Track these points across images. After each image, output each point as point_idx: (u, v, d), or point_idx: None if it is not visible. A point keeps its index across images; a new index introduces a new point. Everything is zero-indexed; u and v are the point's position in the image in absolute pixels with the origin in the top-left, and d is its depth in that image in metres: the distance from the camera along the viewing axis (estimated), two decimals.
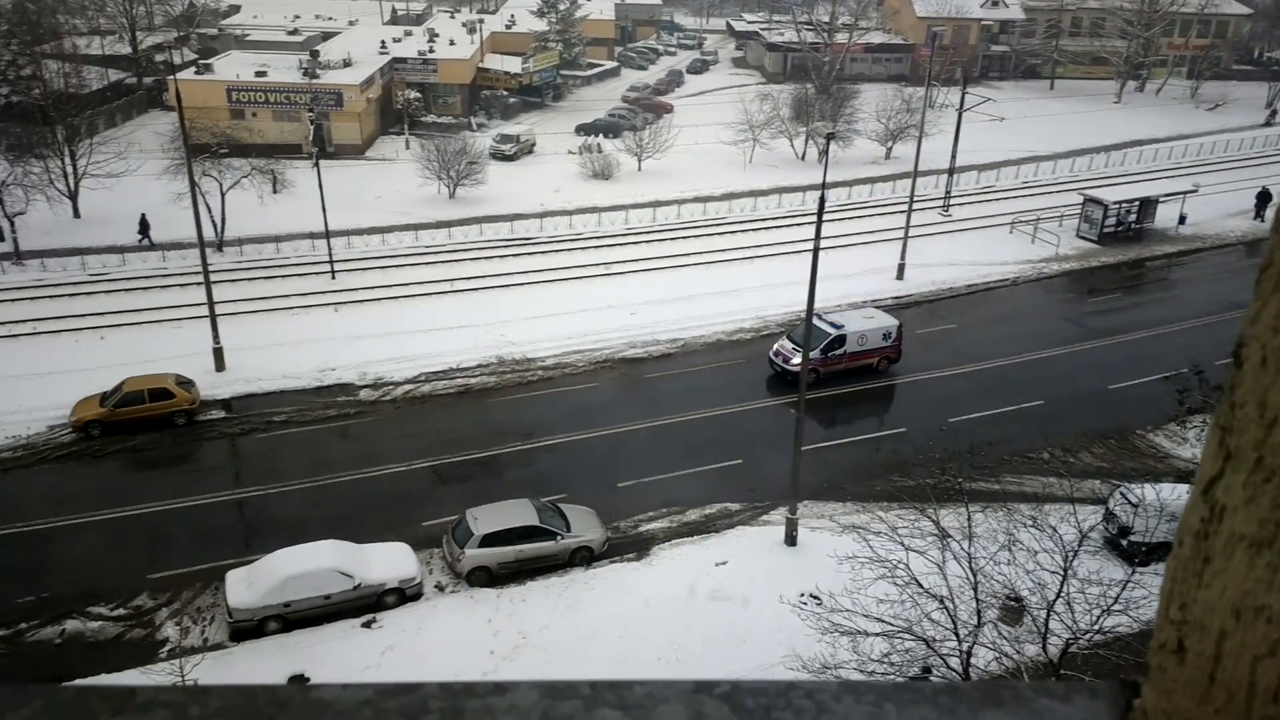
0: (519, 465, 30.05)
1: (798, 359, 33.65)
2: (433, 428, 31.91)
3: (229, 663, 21.67)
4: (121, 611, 23.66)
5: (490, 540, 24.86)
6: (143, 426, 30.78)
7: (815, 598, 21.84)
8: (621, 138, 64.97)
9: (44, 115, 51.04)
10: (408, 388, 34.45)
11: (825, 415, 33.54)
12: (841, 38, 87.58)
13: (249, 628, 22.97)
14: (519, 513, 25.80)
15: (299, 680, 21.14)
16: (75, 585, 24.16)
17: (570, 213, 52.61)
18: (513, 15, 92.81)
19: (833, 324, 35.35)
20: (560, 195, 55.73)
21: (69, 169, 48.84)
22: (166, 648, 22.62)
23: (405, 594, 24.13)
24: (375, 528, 26.17)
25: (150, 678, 20.59)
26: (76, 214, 48.87)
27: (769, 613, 22.90)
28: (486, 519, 25.36)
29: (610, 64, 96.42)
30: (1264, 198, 54.21)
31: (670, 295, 41.76)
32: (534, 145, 66.94)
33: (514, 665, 21.70)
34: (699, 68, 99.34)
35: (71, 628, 23.09)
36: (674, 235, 50.37)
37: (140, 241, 45.39)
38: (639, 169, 60.55)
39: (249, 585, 23.30)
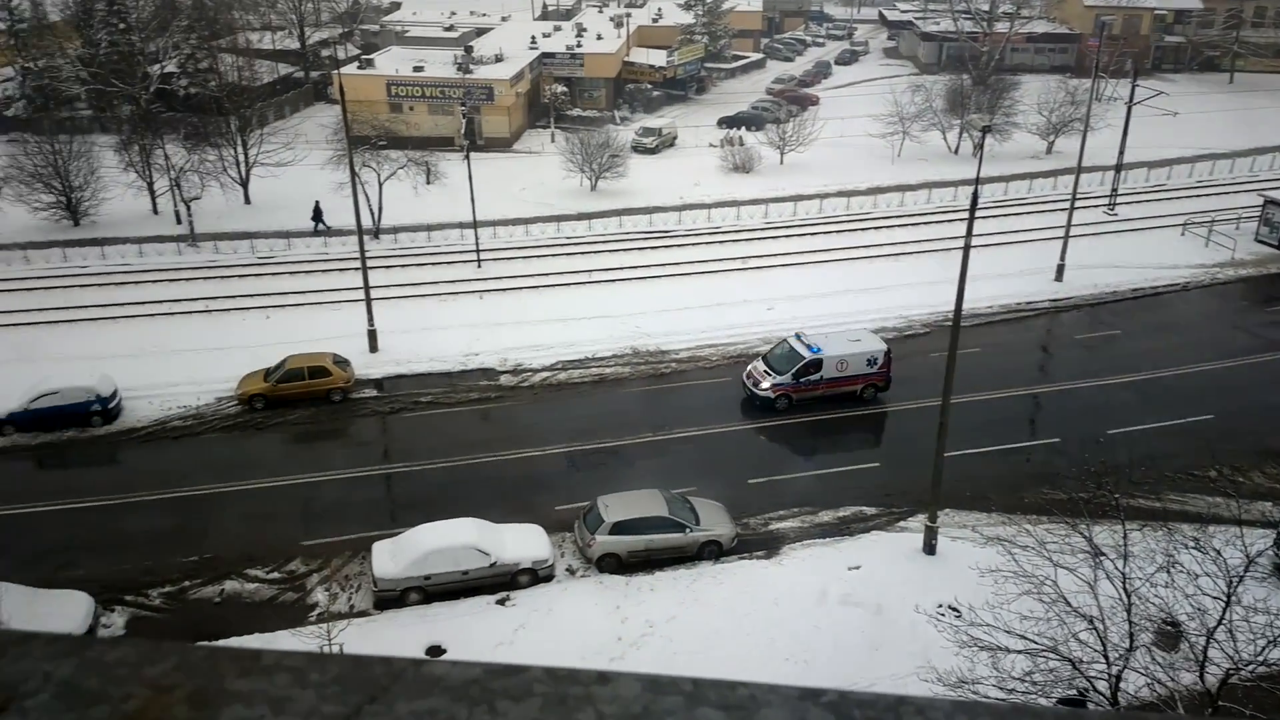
0: (650, 456, 30.24)
1: (767, 383, 32.86)
2: (567, 415, 32.48)
3: (373, 630, 22.63)
4: (276, 575, 25.07)
5: (620, 528, 25.14)
6: (302, 402, 32.54)
7: (954, 609, 21.11)
8: (764, 130, 64.40)
9: (219, 106, 54.54)
10: (545, 375, 35.17)
11: (970, 421, 32.36)
12: (1001, 27, 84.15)
13: (392, 597, 23.95)
14: (649, 503, 25.97)
15: (435, 651, 21.99)
16: (235, 548, 25.74)
17: (709, 206, 52.51)
18: (660, 9, 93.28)
19: (810, 346, 33.02)
20: (700, 188, 55.71)
21: (241, 158, 52.00)
22: (316, 612, 23.83)
23: (538, 575, 24.66)
24: (511, 509, 26.84)
25: (300, 640, 21.74)
26: (247, 200, 52.03)
27: (903, 621, 22.29)
28: (617, 507, 25.64)
29: (755, 56, 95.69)
30: None
31: (809, 291, 41.14)
32: (675, 138, 67.13)
33: (640, 653, 21.86)
34: (848, 59, 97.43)
35: (230, 588, 24.60)
36: (815, 230, 49.58)
37: (316, 228, 47.79)
38: (781, 162, 59.87)
39: (393, 557, 24.29)
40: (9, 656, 1.03)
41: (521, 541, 25.10)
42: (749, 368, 33.83)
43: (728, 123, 70.31)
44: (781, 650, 21.95)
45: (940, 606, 21.93)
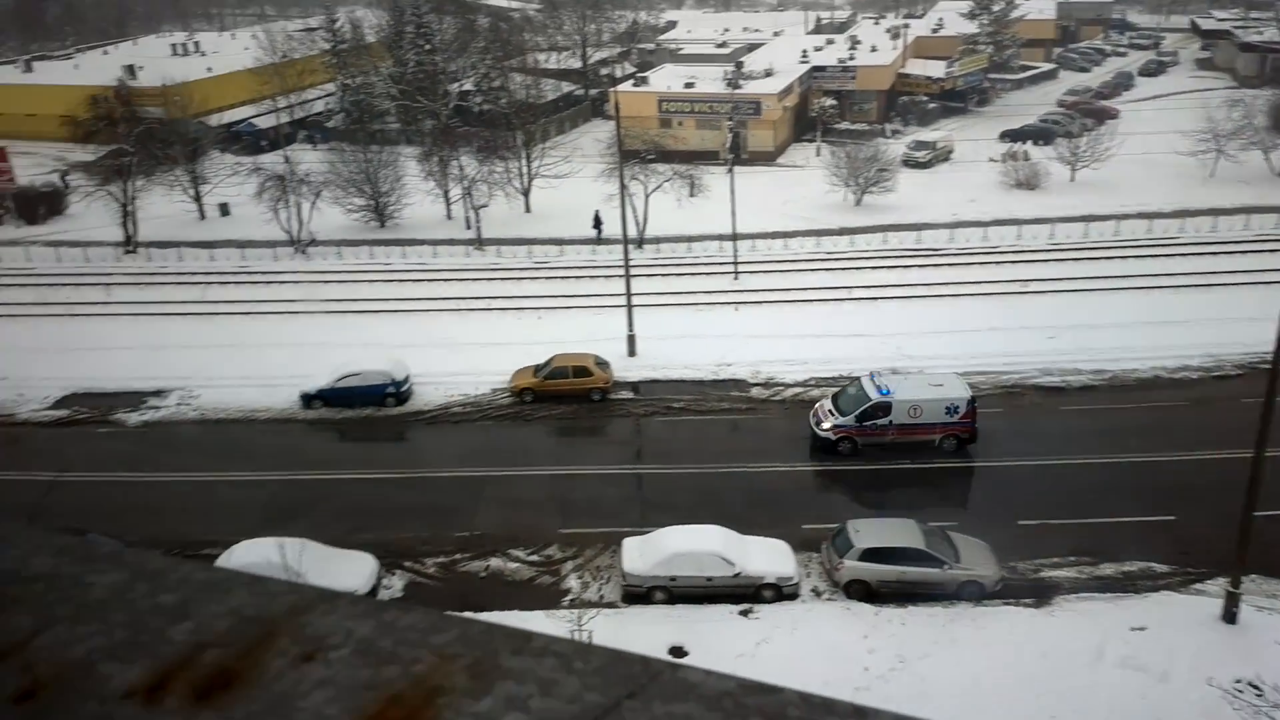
0: (906, 483, 29.35)
1: (828, 424, 30.08)
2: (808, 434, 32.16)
3: (619, 622, 23.53)
4: (535, 558, 26.67)
5: (870, 555, 24.55)
6: (565, 398, 34.42)
7: (1255, 687, 19.00)
8: (1053, 145, 60.74)
9: (508, 122, 58.71)
10: (797, 390, 35.06)
11: None
12: None
13: (638, 593, 24.80)
14: (904, 532, 25.18)
15: (678, 652, 22.55)
16: (501, 529, 27.63)
17: (985, 224, 50.25)
18: (940, 19, 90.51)
19: (880, 388, 30.59)
20: (975, 205, 53.44)
21: (525, 169, 55.75)
22: (568, 597, 25.11)
23: (781, 591, 24.63)
24: (758, 521, 26.99)
25: (553, 622, 23.00)
26: (528, 209, 55.70)
27: (1193, 694, 20.20)
28: (869, 533, 25.09)
29: (1046, 66, 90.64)
30: None
31: (1099, 320, 38.18)
32: (951, 152, 64.82)
33: (889, 688, 21.22)
34: (1154, 70, 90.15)
35: (494, 565, 26.43)
36: (1109, 254, 46.10)
37: (599, 236, 50.10)
38: (1071, 179, 56.24)
39: (641, 554, 25.15)
40: (319, 611, 1.12)
41: (767, 555, 25.18)
42: (816, 405, 31.90)
43: (1012, 136, 66.97)
44: (1048, 708, 20.39)
45: (1239, 682, 19.77)
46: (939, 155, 63.85)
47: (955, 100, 77.22)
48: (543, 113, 66.64)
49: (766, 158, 66.58)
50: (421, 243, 50.75)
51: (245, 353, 37.85)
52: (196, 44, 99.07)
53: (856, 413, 30.39)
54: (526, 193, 55.77)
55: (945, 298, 41.93)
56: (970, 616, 23.62)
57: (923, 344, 37.05)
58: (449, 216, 54.82)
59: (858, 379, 32.23)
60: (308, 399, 34.46)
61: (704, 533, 25.50)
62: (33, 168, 63.38)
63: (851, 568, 24.59)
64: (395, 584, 25.95)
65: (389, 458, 32.03)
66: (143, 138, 54.94)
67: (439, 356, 36.94)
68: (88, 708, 0.99)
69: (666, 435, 32.97)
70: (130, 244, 51.39)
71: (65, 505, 28.84)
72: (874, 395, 30.44)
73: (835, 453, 30.60)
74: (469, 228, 51.97)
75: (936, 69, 77.31)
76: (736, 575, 24.57)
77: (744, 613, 24.18)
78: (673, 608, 24.47)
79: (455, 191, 53.67)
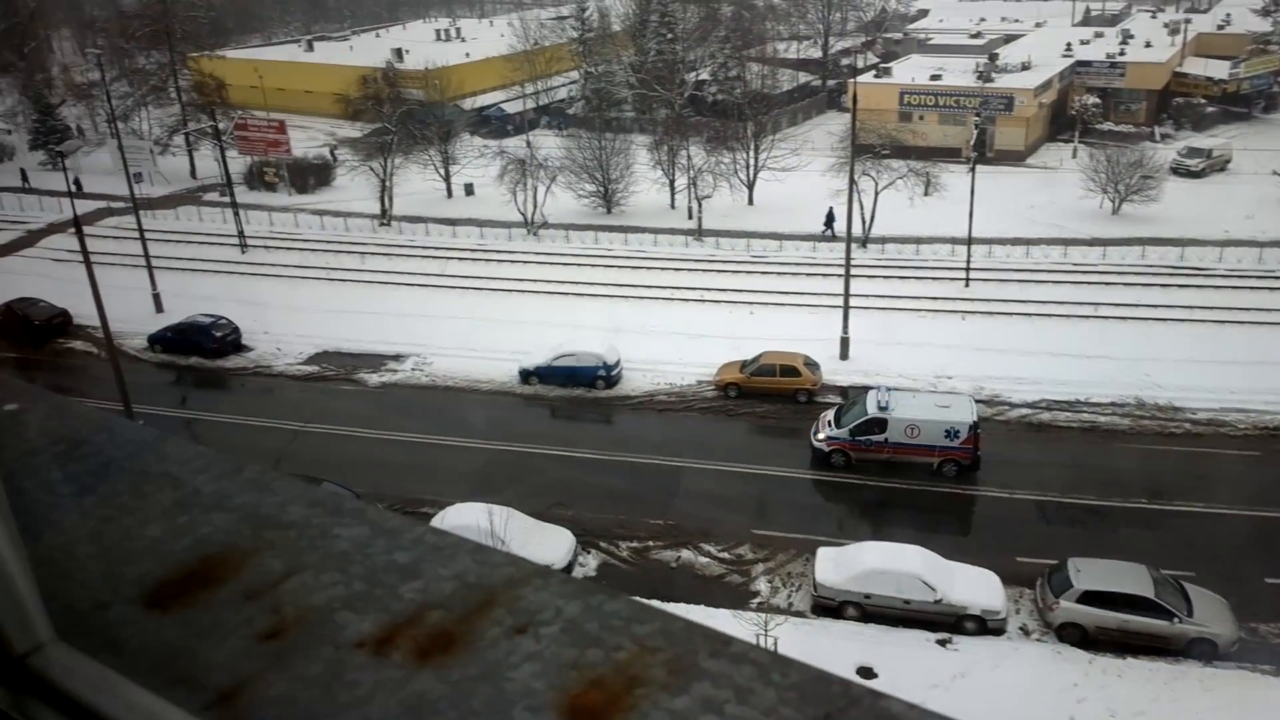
0: (1138, 525, 26.78)
1: (823, 435, 28.86)
2: (1044, 459, 29.97)
3: (806, 633, 22.94)
4: (726, 555, 26.50)
5: (1090, 598, 22.58)
6: (770, 396, 33.94)
7: None
8: None
9: (740, 112, 58.45)
10: (1025, 411, 32.80)
11: None
12: None
13: (829, 606, 24.10)
14: (1131, 578, 22.98)
15: (866, 673, 21.70)
16: (694, 521, 27.66)
17: (1262, 244, 44.97)
18: (1228, 14, 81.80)
19: (880, 403, 29.10)
20: (1253, 222, 47.94)
21: (751, 161, 55.36)
22: (756, 600, 24.78)
23: (985, 624, 23.17)
24: (970, 549, 25.51)
25: (739, 624, 22.72)
26: (750, 201, 55.33)
27: None
28: (1090, 574, 23.08)
29: None
30: None
31: None
32: (1228, 162, 58.53)
33: None
34: None
35: (685, 557, 26.50)
36: None
37: (824, 233, 48.78)
38: None
39: (836, 566, 24.40)
40: (533, 586, 1.13)
41: (972, 585, 23.74)
42: (821, 415, 31.03)
43: None
44: None
45: None
46: (1214, 164, 57.74)
47: (1238, 105, 69.49)
48: (776, 103, 65.85)
49: (1015, 157, 62.63)
50: (643, 230, 51.58)
51: (475, 325, 39.90)
52: (458, 30, 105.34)
53: (851, 425, 29.56)
54: (751, 185, 55.38)
55: (1208, 324, 37.83)
56: (1198, 677, 21.32)
57: (1175, 373, 33.60)
58: (672, 205, 55.39)
59: (865, 391, 31.15)
60: (525, 375, 35.92)
61: (906, 552, 24.44)
62: (306, 141, 69.74)
63: (1067, 609, 22.75)
64: (590, 563, 26.58)
65: (594, 438, 32.81)
66: (404, 118, 59.01)
67: (649, 343, 37.41)
68: (323, 652, 1.06)
69: None
70: (385, 217, 55.46)
71: (306, 454, 31.58)
72: (871, 410, 29.48)
73: (830, 465, 29.83)
74: (690, 217, 52.28)
75: (1219, 69, 69.81)
76: (937, 601, 23.35)
77: (942, 642, 22.96)
78: (864, 626, 23.63)
79: (681, 181, 54.11)
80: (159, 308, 42.25)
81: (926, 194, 49.45)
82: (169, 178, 63.18)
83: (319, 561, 1.15)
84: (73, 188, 52.46)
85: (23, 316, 40.83)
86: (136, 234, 43.29)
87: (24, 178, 63.03)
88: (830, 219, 48.63)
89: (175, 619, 1.11)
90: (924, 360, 35.75)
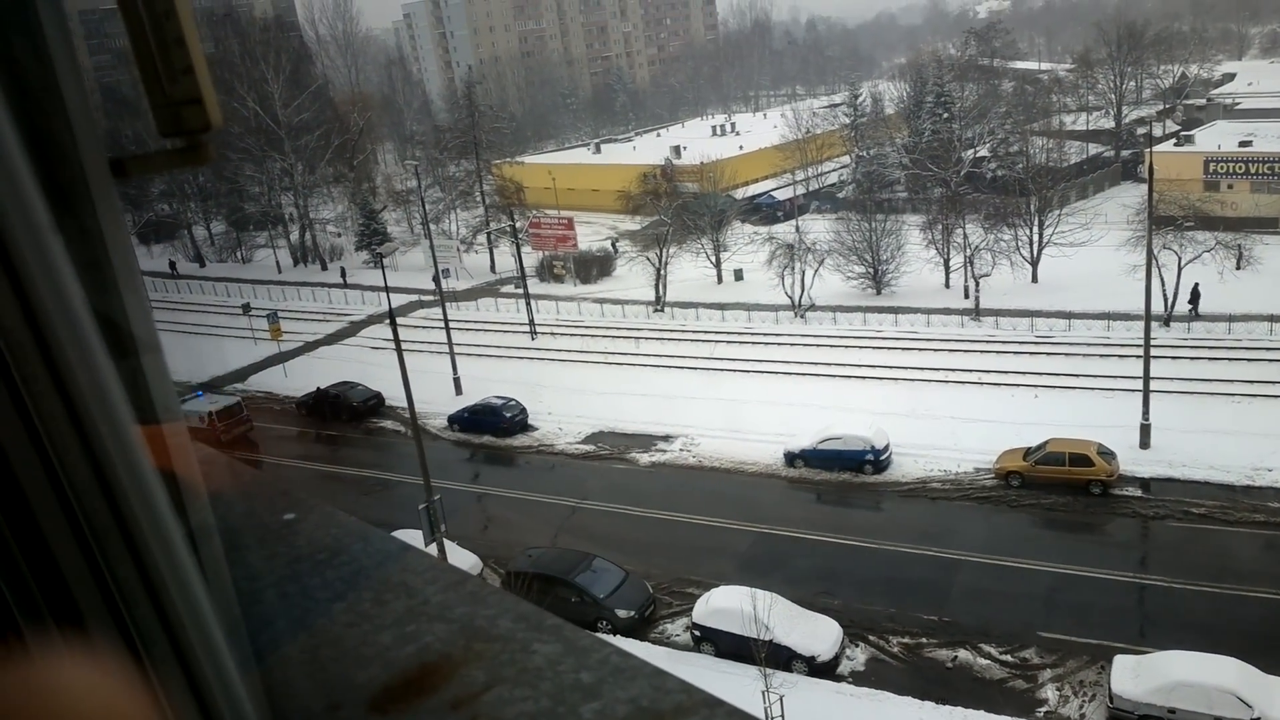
0: None
1: None
2: None
3: None
4: (1009, 658, 24.71)
5: None
6: (1058, 487, 31.62)
7: None
8: None
9: (1021, 187, 56.08)
10: None
11: None
12: None
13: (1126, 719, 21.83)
14: None
15: None
16: (973, 618, 26.07)
17: None
18: None
19: None
20: None
21: (1035, 237, 52.72)
22: (1043, 709, 22.87)
23: None
24: None
25: None
26: (1034, 279, 52.55)
27: None
28: None
29: None
30: None
31: None
32: None
33: None
34: None
35: (962, 657, 24.98)
36: None
37: (1190, 312, 44.68)
38: None
39: (1136, 676, 22.10)
40: (699, 715, 1.13)
41: None
42: None
43: None
44: None
45: None
46: None
47: None
48: (1063, 177, 62.54)
49: None
50: (915, 310, 50.29)
51: (741, 408, 40.45)
52: (733, 125, 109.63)
53: None
54: (1035, 261, 52.63)
55: None
56: None
57: None
58: (947, 285, 53.70)
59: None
60: (791, 457, 35.84)
61: (1217, 664, 21.76)
62: (591, 235, 74.74)
63: None
64: (858, 656, 25.73)
65: (862, 525, 32.00)
66: (679, 210, 61.93)
67: (921, 428, 36.17)
68: None
69: (1179, 544, 28.63)
70: (659, 303, 58.02)
71: (581, 529, 33.21)
72: None
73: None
74: (967, 297, 50.38)
75: None
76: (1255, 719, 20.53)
77: None
78: None
79: (956, 260, 52.47)
80: (458, 390, 46.46)
81: (1239, 267, 44.71)
82: (472, 273, 69.84)
83: (515, 676, 1.20)
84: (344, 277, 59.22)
85: (343, 399, 46.32)
86: (442, 324, 48.13)
87: (343, 275, 72.12)
88: (1195, 296, 44.44)
89: None
90: (1239, 450, 31.99)
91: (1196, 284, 43.79)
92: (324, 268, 77.07)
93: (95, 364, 0.80)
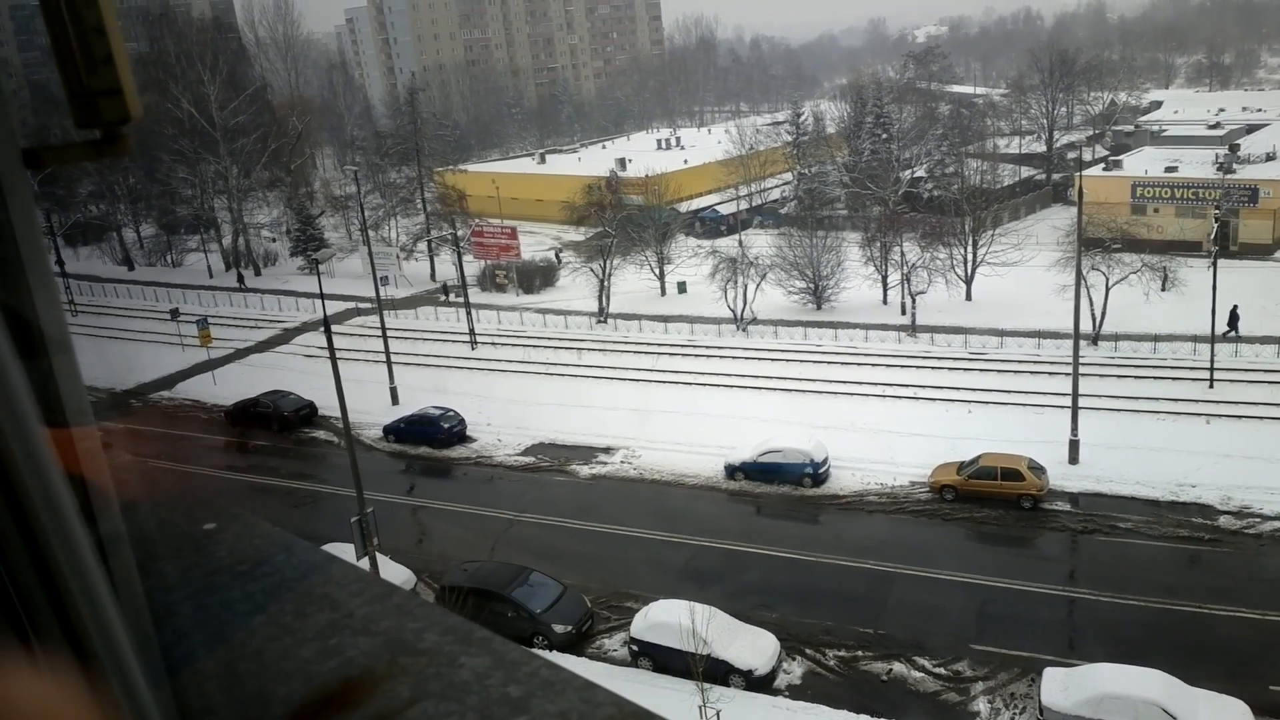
0: None
1: None
2: None
3: None
4: (942, 671, 25.00)
5: None
6: (990, 501, 32.20)
7: None
8: None
9: (956, 208, 57.33)
10: (1277, 525, 29.41)
11: None
12: None
13: None
14: None
15: None
16: (908, 631, 26.34)
17: None
18: None
19: None
20: None
21: (969, 256, 53.89)
22: None
23: None
24: (1210, 674, 22.88)
25: None
26: (968, 297, 53.69)
27: None
28: None
29: None
30: None
31: None
32: None
33: None
34: None
35: (897, 670, 25.19)
36: None
37: (1227, 334, 43.63)
38: None
39: (1065, 689, 22.49)
40: None
41: (1219, 716, 21.23)
42: None
43: None
44: None
45: None
46: None
47: None
48: (996, 198, 64.08)
49: (1262, 250, 57.59)
50: (854, 326, 51.01)
51: (683, 420, 40.53)
52: (678, 139, 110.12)
53: None
54: (969, 280, 53.78)
55: None
56: None
57: None
58: (885, 301, 54.61)
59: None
60: (731, 470, 35.96)
61: (1144, 676, 22.24)
62: (535, 245, 74.36)
63: None
64: (795, 670, 25.79)
65: (800, 538, 32.19)
66: (623, 222, 61.96)
67: (858, 441, 36.59)
68: None
69: (1106, 558, 29.34)
70: (602, 314, 57.92)
71: (518, 541, 32.85)
72: None
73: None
74: (904, 313, 51.25)
75: None
76: None
77: None
78: None
79: (894, 278, 53.36)
80: (395, 400, 45.73)
81: (1164, 289, 46.19)
82: (411, 280, 68.98)
83: (441, 690, 1.19)
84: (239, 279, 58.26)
85: (274, 408, 45.09)
86: (379, 332, 47.41)
87: (240, 281, 70.98)
88: (1234, 318, 43.84)
89: None
90: (1164, 466, 32.94)
91: (1235, 306, 43.42)
92: (258, 273, 75.49)
93: (0, 362, 0.77)
